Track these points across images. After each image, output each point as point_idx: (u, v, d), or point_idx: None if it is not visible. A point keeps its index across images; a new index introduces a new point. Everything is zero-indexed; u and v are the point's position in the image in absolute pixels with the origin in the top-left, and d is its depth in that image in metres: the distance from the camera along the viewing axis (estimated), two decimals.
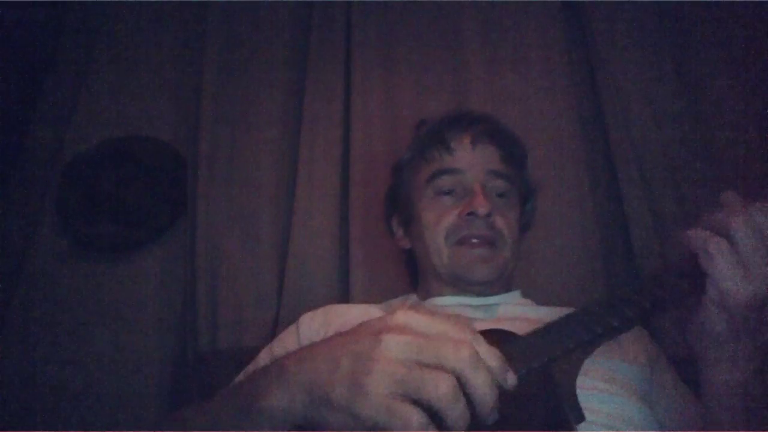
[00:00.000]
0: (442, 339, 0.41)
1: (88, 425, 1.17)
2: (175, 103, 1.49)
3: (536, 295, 0.96)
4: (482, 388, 0.40)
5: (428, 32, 1.43)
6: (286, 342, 0.84)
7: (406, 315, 0.43)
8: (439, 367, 0.40)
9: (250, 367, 0.81)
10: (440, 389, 0.39)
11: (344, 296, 1.24)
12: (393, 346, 0.41)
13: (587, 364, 0.71)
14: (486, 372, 0.41)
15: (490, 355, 0.42)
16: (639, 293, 0.57)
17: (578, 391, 0.55)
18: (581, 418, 0.53)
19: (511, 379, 0.43)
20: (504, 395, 0.44)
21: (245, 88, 1.43)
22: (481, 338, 0.43)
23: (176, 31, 1.55)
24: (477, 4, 1.42)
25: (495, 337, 0.62)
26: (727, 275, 0.54)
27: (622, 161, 1.25)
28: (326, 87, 1.39)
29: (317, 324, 0.84)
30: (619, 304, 0.57)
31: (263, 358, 0.83)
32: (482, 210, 0.83)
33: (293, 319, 0.91)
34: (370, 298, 1.15)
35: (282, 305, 1.23)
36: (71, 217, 1.38)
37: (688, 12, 1.31)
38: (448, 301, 0.88)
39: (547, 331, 0.56)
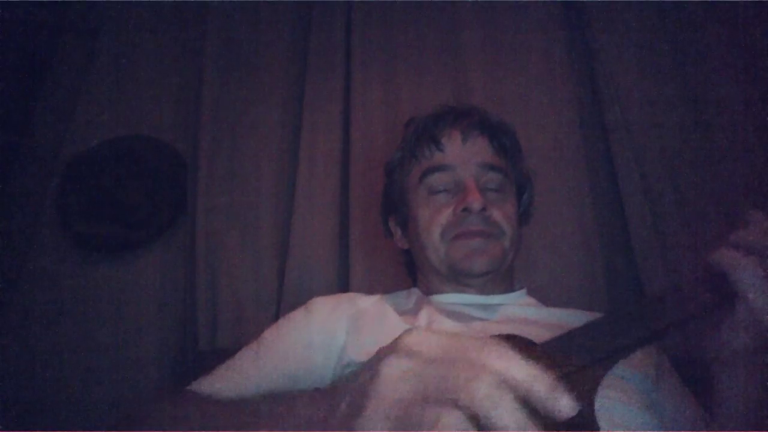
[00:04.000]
0: (455, 365, 0.33)
1: (88, 425, 1.17)
2: (175, 103, 1.49)
3: (536, 295, 0.96)
4: (508, 426, 0.31)
5: (428, 32, 1.43)
6: (296, 323, 0.82)
7: (416, 336, 0.36)
8: (448, 403, 0.32)
9: (254, 345, 0.80)
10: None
11: None
12: (389, 378, 0.34)
13: None
14: (513, 405, 0.32)
15: (533, 381, 0.33)
16: (665, 304, 0.56)
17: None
18: (595, 429, 0.52)
19: (565, 408, 0.32)
20: None
21: (245, 88, 1.43)
22: (515, 359, 0.34)
23: (176, 31, 1.55)
24: (477, 4, 1.42)
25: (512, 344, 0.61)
26: (758, 295, 0.54)
27: (622, 161, 1.25)
28: (326, 87, 1.39)
29: (328, 310, 0.82)
30: (646, 314, 0.56)
31: (269, 337, 0.81)
32: (476, 205, 0.82)
33: None
34: None
35: (282, 304, 1.23)
36: (71, 217, 1.38)
37: (689, 12, 1.31)
38: (449, 298, 0.86)
39: (569, 339, 0.54)
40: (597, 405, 0.66)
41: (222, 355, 1.13)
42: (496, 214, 0.85)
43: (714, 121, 1.24)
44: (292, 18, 1.48)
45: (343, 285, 1.26)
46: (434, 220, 0.86)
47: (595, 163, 1.31)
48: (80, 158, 1.43)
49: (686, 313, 0.55)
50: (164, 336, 1.29)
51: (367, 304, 0.83)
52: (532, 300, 0.91)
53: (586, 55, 1.37)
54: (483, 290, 0.86)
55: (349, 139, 1.35)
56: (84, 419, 1.19)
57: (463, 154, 0.87)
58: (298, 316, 0.84)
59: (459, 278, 0.86)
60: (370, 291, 1.20)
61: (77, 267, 1.36)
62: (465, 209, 0.83)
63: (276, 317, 1.23)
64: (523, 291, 0.92)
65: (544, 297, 0.95)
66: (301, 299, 1.21)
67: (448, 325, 0.77)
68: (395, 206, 0.96)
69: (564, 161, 1.28)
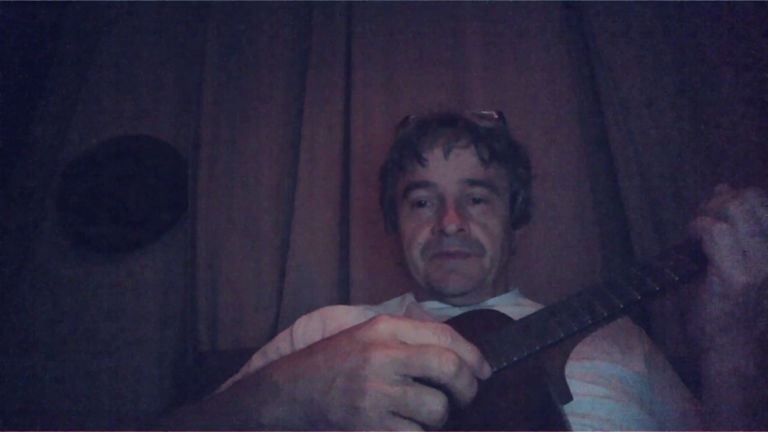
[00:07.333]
0: (426, 350, 0.43)
1: (88, 425, 1.17)
2: (175, 103, 1.49)
3: (535, 294, 0.96)
4: (464, 391, 0.44)
5: (428, 32, 1.43)
6: (280, 346, 0.84)
7: (388, 325, 0.45)
8: (427, 378, 0.43)
9: (243, 370, 0.81)
10: (433, 410, 0.42)
11: (344, 297, 1.24)
12: (381, 364, 0.43)
13: (588, 368, 0.71)
14: (467, 375, 0.44)
15: (469, 354, 0.45)
16: (631, 281, 0.58)
17: (578, 396, 0.55)
18: (568, 398, 0.55)
19: (486, 372, 0.46)
20: (493, 381, 0.47)
21: (245, 88, 1.43)
22: (459, 339, 0.46)
23: (176, 31, 1.55)
24: (477, 4, 1.42)
25: (489, 319, 0.66)
26: (728, 259, 0.55)
27: (622, 161, 1.25)
28: (327, 87, 1.39)
29: (313, 328, 0.84)
30: (608, 291, 0.57)
31: (256, 362, 0.82)
32: (451, 228, 0.81)
33: (293, 319, 0.90)
34: (370, 298, 1.15)
35: (282, 305, 1.23)
36: (72, 217, 1.38)
37: (689, 12, 1.31)
38: (438, 304, 0.87)
39: (537, 319, 0.57)
40: (592, 403, 0.67)
41: (222, 356, 1.14)
42: (476, 232, 0.84)
43: (714, 121, 1.23)
44: (292, 18, 1.48)
45: (342, 286, 1.26)
46: (414, 238, 0.86)
47: (595, 163, 1.31)
48: (80, 158, 1.43)
49: (668, 281, 0.56)
50: (164, 337, 1.29)
51: (350, 317, 0.83)
52: (525, 300, 0.91)
53: (586, 55, 1.37)
54: (470, 299, 0.86)
55: (349, 139, 1.35)
56: (84, 419, 1.20)
57: (444, 170, 0.86)
58: (282, 337, 0.86)
59: (437, 295, 0.87)
60: (369, 291, 1.21)
61: (77, 267, 1.36)
62: (441, 230, 0.83)
63: (276, 318, 1.23)
64: (515, 291, 0.92)
65: (543, 296, 0.95)
66: (301, 300, 1.22)
67: None
68: (388, 210, 0.97)
69: (564, 161, 1.28)
